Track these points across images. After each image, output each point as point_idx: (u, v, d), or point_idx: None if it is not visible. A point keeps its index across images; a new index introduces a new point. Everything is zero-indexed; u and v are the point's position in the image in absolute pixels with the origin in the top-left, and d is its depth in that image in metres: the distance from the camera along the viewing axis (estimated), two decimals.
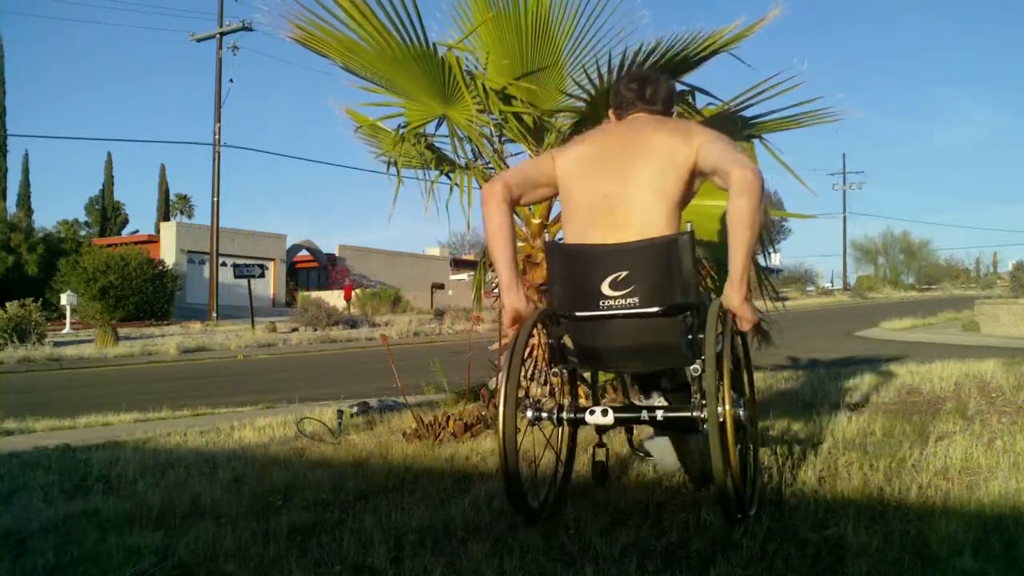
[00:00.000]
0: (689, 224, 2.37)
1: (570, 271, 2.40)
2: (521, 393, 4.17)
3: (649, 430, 2.70)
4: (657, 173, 2.37)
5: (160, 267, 27.13)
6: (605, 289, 2.32)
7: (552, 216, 4.49)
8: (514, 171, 2.65)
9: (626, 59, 3.65)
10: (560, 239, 2.69)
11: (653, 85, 2.63)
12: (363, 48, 3.91)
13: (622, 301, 2.31)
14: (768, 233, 4.50)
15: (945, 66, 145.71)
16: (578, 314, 2.38)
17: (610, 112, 2.74)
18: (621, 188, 2.39)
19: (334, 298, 26.24)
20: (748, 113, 4.30)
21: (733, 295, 2.33)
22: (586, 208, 2.44)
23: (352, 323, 21.85)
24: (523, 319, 2.47)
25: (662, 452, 2.67)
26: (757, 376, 5.78)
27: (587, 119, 4.16)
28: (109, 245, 31.23)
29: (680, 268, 2.30)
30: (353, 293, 27.96)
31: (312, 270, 38.88)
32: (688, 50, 3.71)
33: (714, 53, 3.82)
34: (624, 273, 2.31)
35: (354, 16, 3.75)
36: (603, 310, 2.33)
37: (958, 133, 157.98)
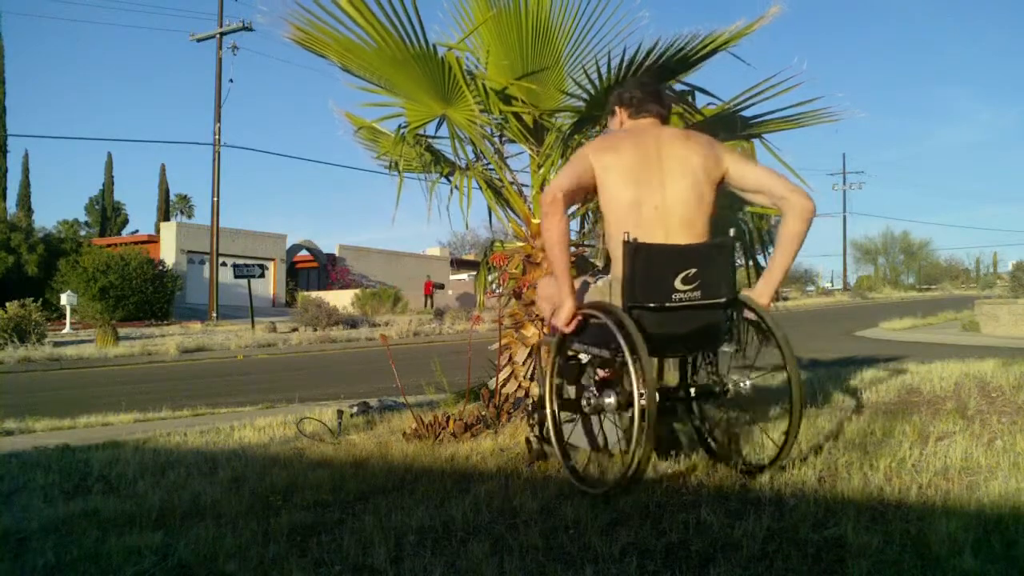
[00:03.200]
0: (732, 230, 2.82)
1: (650, 268, 2.68)
2: (521, 393, 4.19)
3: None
4: (695, 186, 2.75)
5: (160, 267, 27.14)
6: (678, 284, 2.67)
7: None
8: (565, 179, 2.79)
9: (625, 59, 3.65)
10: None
11: (664, 93, 2.97)
12: (362, 49, 3.91)
13: (691, 294, 2.68)
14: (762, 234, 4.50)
15: (947, 66, 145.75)
16: (667, 304, 2.69)
17: (620, 110, 3.01)
18: (665, 198, 2.74)
19: (334, 298, 26.23)
20: (748, 113, 4.30)
21: (767, 294, 2.88)
22: (636, 215, 2.72)
23: (352, 323, 21.85)
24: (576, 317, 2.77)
25: (580, 438, 2.99)
26: (756, 376, 5.78)
27: (587, 119, 4.16)
28: (109, 245, 31.24)
29: (730, 265, 2.79)
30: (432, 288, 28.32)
31: (312, 270, 38.87)
32: (688, 49, 3.71)
33: (714, 52, 3.82)
34: (693, 270, 2.68)
35: (354, 16, 3.75)
36: (675, 303, 2.68)
37: (959, 133, 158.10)
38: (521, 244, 4.51)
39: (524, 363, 4.25)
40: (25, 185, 43.98)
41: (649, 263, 2.66)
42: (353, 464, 3.28)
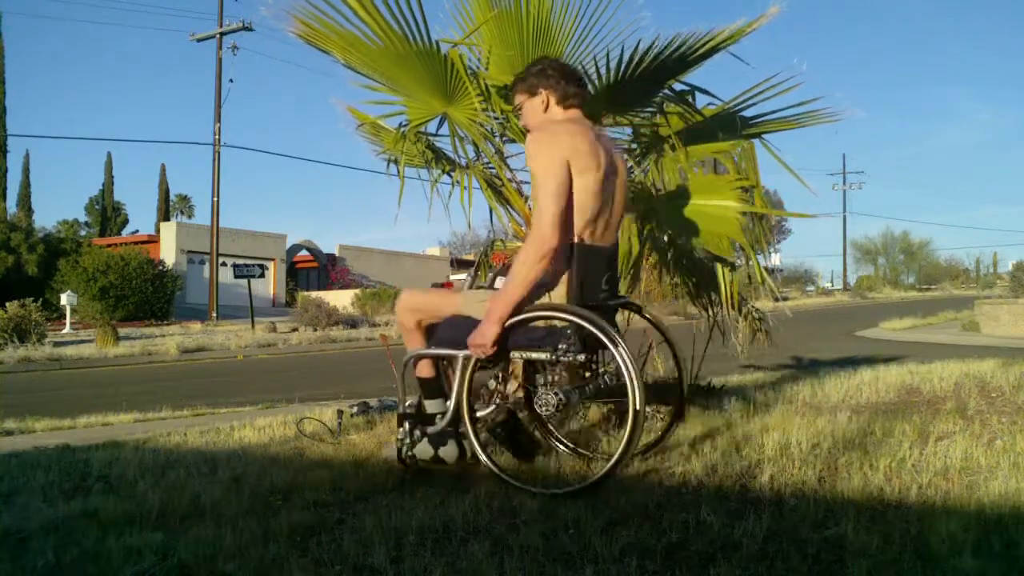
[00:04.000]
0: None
1: (590, 269, 2.76)
2: (521, 393, 4.18)
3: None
4: (624, 187, 2.92)
5: (160, 267, 27.14)
6: (603, 284, 2.80)
7: None
8: (561, 201, 2.64)
9: (624, 58, 3.65)
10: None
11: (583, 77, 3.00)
12: (365, 44, 3.91)
13: (608, 294, 2.84)
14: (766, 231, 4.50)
15: (948, 66, 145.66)
16: (609, 304, 2.83)
17: (546, 93, 2.94)
18: (615, 196, 2.83)
19: (334, 298, 26.23)
20: (748, 113, 4.30)
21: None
22: (588, 208, 2.72)
23: (352, 323, 21.85)
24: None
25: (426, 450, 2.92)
26: (757, 376, 5.78)
27: (587, 117, 4.16)
28: (109, 245, 31.23)
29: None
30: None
31: (312, 270, 38.87)
32: (687, 48, 3.71)
33: (714, 51, 3.81)
34: (610, 272, 2.86)
35: (357, 11, 3.75)
36: (601, 302, 2.80)
37: (959, 133, 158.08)
38: (521, 244, 4.51)
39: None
40: (25, 185, 43.99)
41: (591, 265, 2.76)
42: (353, 464, 3.28)
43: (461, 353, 2.77)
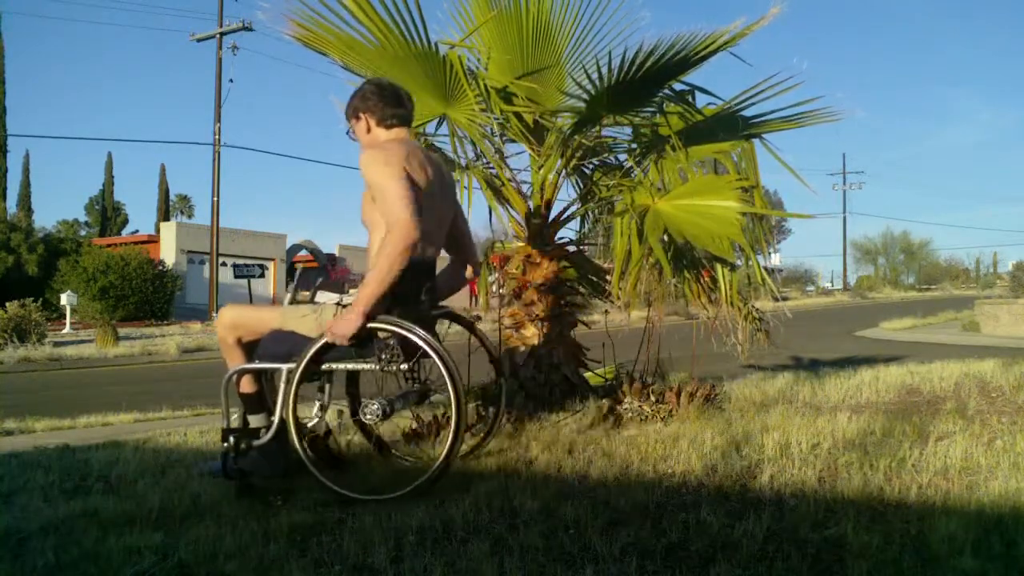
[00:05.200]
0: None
1: (412, 281, 2.88)
2: (521, 393, 4.17)
3: None
4: (450, 204, 3.11)
5: (160, 267, 27.13)
6: (423, 295, 2.97)
7: (552, 216, 4.50)
8: (416, 207, 2.70)
9: (626, 59, 3.64)
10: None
11: (406, 96, 3.07)
12: (364, 46, 3.91)
13: (427, 304, 3.00)
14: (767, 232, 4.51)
15: (949, 65, 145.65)
16: (430, 314, 3.01)
17: (366, 117, 3.02)
18: (441, 213, 3.00)
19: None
20: (748, 113, 4.30)
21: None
22: (425, 225, 2.79)
23: None
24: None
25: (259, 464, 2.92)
26: (758, 376, 5.78)
27: (588, 119, 4.16)
28: (109, 245, 31.21)
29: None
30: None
31: (312, 270, 38.83)
32: (688, 49, 3.71)
33: (714, 52, 3.81)
34: (430, 282, 3.02)
35: (356, 13, 3.75)
36: (424, 311, 2.95)
37: (959, 133, 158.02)
38: (521, 244, 4.51)
39: (524, 363, 4.25)
40: (25, 185, 43.99)
41: (411, 277, 2.83)
42: (353, 464, 3.28)
43: (285, 367, 2.82)
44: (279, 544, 2.29)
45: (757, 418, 3.76)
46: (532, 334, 4.26)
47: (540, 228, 4.43)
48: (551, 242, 4.46)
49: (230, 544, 2.28)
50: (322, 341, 2.77)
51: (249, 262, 24.77)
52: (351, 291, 2.95)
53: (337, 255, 37.79)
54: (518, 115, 4.17)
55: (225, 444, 2.89)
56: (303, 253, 38.67)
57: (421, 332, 2.75)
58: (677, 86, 4.14)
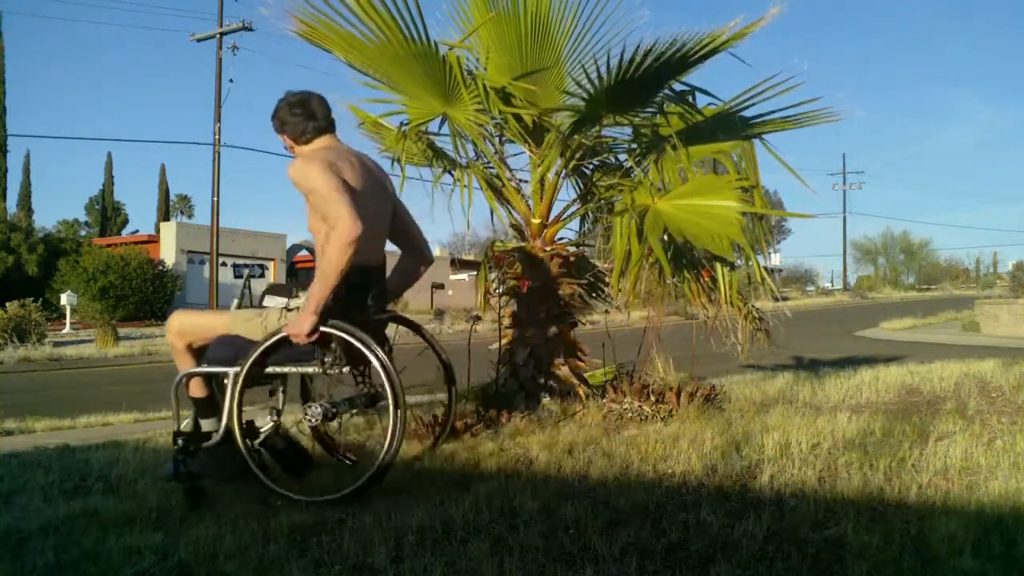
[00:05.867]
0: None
1: (356, 285, 2.89)
2: (521, 393, 4.18)
3: None
4: (392, 206, 3.12)
5: (160, 267, 27.13)
6: (369, 300, 2.99)
7: (552, 216, 4.50)
8: (354, 209, 2.70)
9: (625, 59, 3.64)
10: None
11: (321, 103, 3.04)
12: (365, 44, 3.91)
13: (375, 308, 3.02)
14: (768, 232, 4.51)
15: (949, 66, 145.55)
16: (377, 318, 3.02)
17: (285, 138, 3.06)
18: (379, 215, 2.99)
19: None
20: (748, 113, 4.30)
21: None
22: (367, 230, 2.78)
23: None
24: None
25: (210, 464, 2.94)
26: (758, 376, 5.78)
27: (586, 119, 4.16)
28: (109, 245, 31.20)
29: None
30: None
31: (312, 270, 38.70)
32: (687, 49, 3.70)
33: (713, 52, 3.81)
34: (378, 287, 3.03)
35: (357, 12, 3.75)
36: (370, 316, 2.98)
37: (960, 133, 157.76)
38: (521, 244, 4.51)
39: (524, 363, 4.25)
40: (25, 185, 43.95)
41: (355, 282, 2.86)
42: (353, 464, 3.28)
43: (231, 370, 2.85)
44: (279, 544, 2.29)
45: (757, 418, 3.76)
46: (532, 334, 4.26)
47: (540, 228, 4.43)
48: (551, 242, 4.46)
49: (230, 544, 2.28)
50: (265, 344, 2.81)
51: (249, 262, 24.75)
52: (300, 294, 2.97)
53: None
54: (517, 116, 4.17)
55: (176, 447, 2.93)
56: (303, 253, 38.66)
57: (361, 335, 2.77)
58: (677, 86, 4.14)
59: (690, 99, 4.22)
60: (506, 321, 4.36)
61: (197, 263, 31.99)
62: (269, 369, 2.88)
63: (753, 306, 4.56)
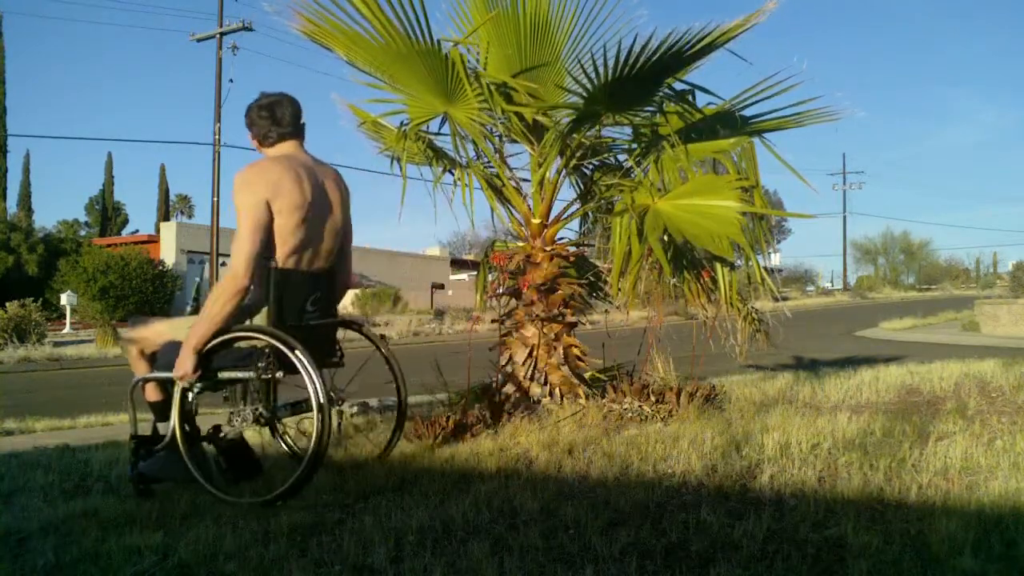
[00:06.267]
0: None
1: (293, 293, 2.93)
2: (521, 393, 4.19)
3: None
4: (343, 216, 3.11)
5: (160, 267, 27.12)
6: (308, 306, 3.00)
7: (552, 216, 4.50)
8: (252, 245, 2.78)
9: (622, 54, 3.64)
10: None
11: (293, 112, 3.05)
12: (368, 42, 3.92)
13: (317, 316, 3.04)
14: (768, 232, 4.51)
15: (950, 66, 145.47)
16: (318, 324, 3.04)
17: (251, 137, 3.08)
18: (327, 226, 3.00)
19: None
20: (748, 112, 4.30)
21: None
22: (290, 240, 2.87)
23: None
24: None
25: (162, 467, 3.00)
26: (757, 376, 5.78)
27: (586, 117, 4.16)
28: (109, 245, 31.19)
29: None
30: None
31: None
32: (684, 44, 3.69)
33: (711, 48, 3.81)
34: (319, 293, 3.04)
35: (361, 9, 3.76)
36: (308, 322, 3.00)
37: (960, 133, 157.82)
38: (521, 244, 4.51)
39: (524, 363, 4.25)
40: (25, 185, 43.95)
41: (292, 289, 2.92)
42: (353, 464, 3.28)
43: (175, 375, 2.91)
44: (279, 544, 2.29)
45: (757, 418, 3.76)
46: (532, 334, 4.26)
47: (540, 228, 4.43)
48: (551, 242, 4.46)
49: (230, 544, 2.28)
50: (204, 351, 2.85)
51: None
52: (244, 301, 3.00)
53: None
54: (518, 114, 4.17)
55: (131, 450, 3.03)
56: None
57: (288, 340, 2.78)
58: (677, 85, 4.14)
59: (689, 98, 4.23)
60: (506, 321, 4.37)
61: (197, 263, 31.99)
62: (214, 376, 2.94)
63: (752, 307, 4.56)
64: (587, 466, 3.03)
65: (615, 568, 2.01)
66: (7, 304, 16.42)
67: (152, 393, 3.08)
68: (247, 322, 2.94)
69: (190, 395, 2.90)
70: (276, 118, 3.02)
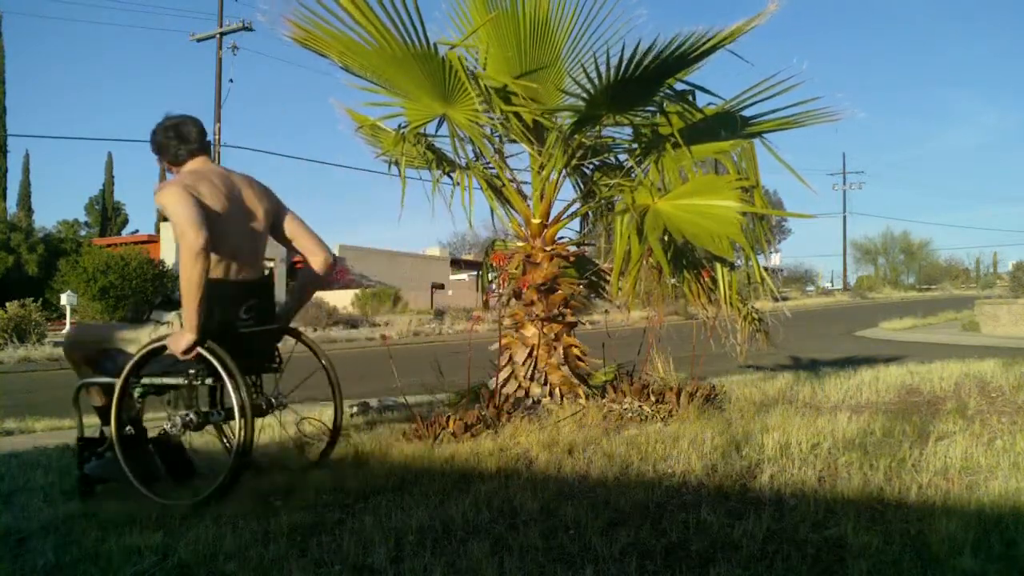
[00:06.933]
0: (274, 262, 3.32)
1: (221, 301, 2.96)
2: (521, 393, 4.20)
3: None
4: (266, 226, 3.16)
5: (160, 267, 27.11)
6: (240, 315, 3.04)
7: (552, 216, 4.50)
8: (202, 226, 2.78)
9: (625, 57, 3.64)
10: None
11: (193, 129, 3.14)
12: (363, 48, 3.91)
13: (251, 323, 3.07)
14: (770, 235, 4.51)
15: (951, 67, 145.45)
16: (251, 331, 3.05)
17: (159, 162, 3.18)
18: (249, 232, 3.07)
19: (333, 298, 26.21)
20: (748, 113, 4.30)
21: (290, 320, 3.42)
22: (230, 247, 2.97)
23: (352, 323, 21.84)
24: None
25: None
26: (757, 376, 5.78)
27: (587, 119, 4.16)
28: (109, 245, 31.17)
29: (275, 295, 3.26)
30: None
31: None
32: (686, 47, 3.70)
33: (713, 49, 3.81)
34: (253, 301, 3.08)
35: (354, 15, 3.74)
36: (240, 330, 3.02)
37: (961, 134, 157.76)
38: (521, 244, 4.51)
39: (524, 363, 4.25)
40: (25, 185, 43.90)
41: (221, 298, 2.95)
42: (353, 464, 3.28)
43: (113, 380, 2.98)
44: (279, 544, 2.29)
45: (757, 418, 3.76)
46: (532, 334, 4.26)
47: (540, 228, 4.43)
48: (551, 242, 4.46)
49: (230, 544, 2.28)
50: (136, 357, 2.94)
51: None
52: (173, 313, 3.10)
53: (337, 255, 37.77)
54: (518, 115, 4.17)
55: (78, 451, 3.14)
56: None
57: (214, 348, 2.84)
58: (677, 86, 4.14)
59: (690, 98, 4.23)
60: (506, 321, 4.37)
61: None
62: (146, 380, 3.01)
63: (752, 307, 4.56)
64: (587, 466, 3.03)
65: (615, 568, 2.01)
66: (7, 304, 16.43)
67: (97, 397, 3.17)
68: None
69: (129, 398, 2.98)
70: (183, 136, 3.12)
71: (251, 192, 3.14)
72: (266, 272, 3.26)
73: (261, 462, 3.32)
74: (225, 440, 3.53)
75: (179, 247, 2.83)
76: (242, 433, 2.78)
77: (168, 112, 3.20)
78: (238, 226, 3.02)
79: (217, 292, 2.91)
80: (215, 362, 2.83)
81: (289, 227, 3.28)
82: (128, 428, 3.02)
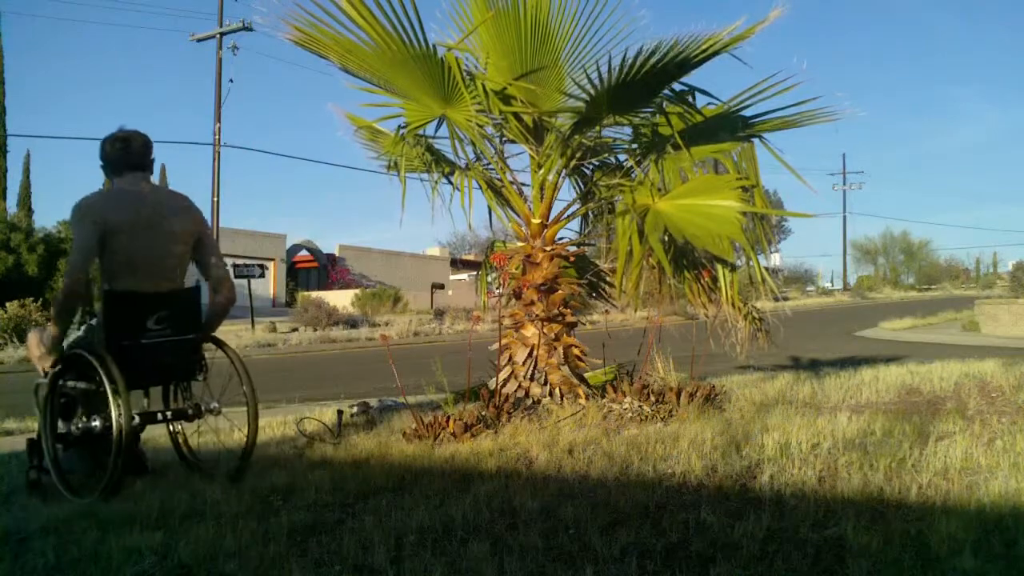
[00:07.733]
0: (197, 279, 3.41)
1: (128, 312, 3.12)
2: (521, 393, 4.20)
3: None
4: (185, 244, 3.28)
5: None
6: (151, 324, 3.13)
7: (552, 216, 4.50)
8: (82, 261, 3.06)
9: (627, 60, 3.64)
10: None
11: (142, 148, 3.27)
12: (362, 49, 3.91)
13: (162, 333, 3.17)
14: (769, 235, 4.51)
15: (952, 67, 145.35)
16: (141, 341, 3.13)
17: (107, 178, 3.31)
18: (163, 247, 3.18)
19: (334, 298, 26.21)
20: (748, 113, 4.30)
21: (215, 329, 3.48)
22: (122, 262, 3.10)
23: (352, 323, 21.84)
24: None
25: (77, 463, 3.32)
26: (756, 376, 5.78)
27: (586, 120, 4.16)
28: None
29: (198, 306, 3.34)
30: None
31: (312, 270, 38.83)
32: (688, 52, 3.70)
33: (715, 54, 3.81)
34: (165, 312, 3.17)
35: (354, 17, 3.75)
36: (148, 340, 3.14)
37: (961, 134, 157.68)
38: (521, 244, 4.52)
39: (524, 363, 4.25)
40: (25, 185, 43.82)
41: (127, 309, 3.11)
42: (353, 464, 3.28)
43: (43, 381, 3.23)
44: (279, 544, 2.29)
45: (757, 418, 3.76)
46: (532, 334, 4.26)
47: (540, 228, 4.44)
48: (551, 242, 4.46)
49: (230, 544, 2.28)
50: (45, 367, 3.21)
51: (249, 262, 24.75)
52: (88, 320, 3.28)
53: (337, 255, 37.79)
54: (517, 116, 4.17)
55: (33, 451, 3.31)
56: (303, 253, 38.67)
57: (101, 355, 2.96)
58: (677, 86, 4.14)
59: (690, 99, 4.23)
60: (506, 321, 4.37)
61: None
62: (71, 384, 3.16)
63: (753, 306, 4.56)
64: (587, 466, 3.03)
65: (615, 568, 2.01)
66: (7, 304, 16.42)
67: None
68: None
69: (57, 397, 3.16)
70: (129, 150, 3.23)
71: (175, 214, 3.25)
72: (187, 285, 3.34)
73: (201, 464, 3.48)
74: (174, 439, 3.64)
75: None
76: (115, 447, 2.88)
77: (122, 126, 3.33)
78: (152, 242, 3.15)
79: (125, 303, 3.09)
80: (100, 370, 2.94)
81: (205, 248, 3.38)
82: (63, 427, 3.21)
